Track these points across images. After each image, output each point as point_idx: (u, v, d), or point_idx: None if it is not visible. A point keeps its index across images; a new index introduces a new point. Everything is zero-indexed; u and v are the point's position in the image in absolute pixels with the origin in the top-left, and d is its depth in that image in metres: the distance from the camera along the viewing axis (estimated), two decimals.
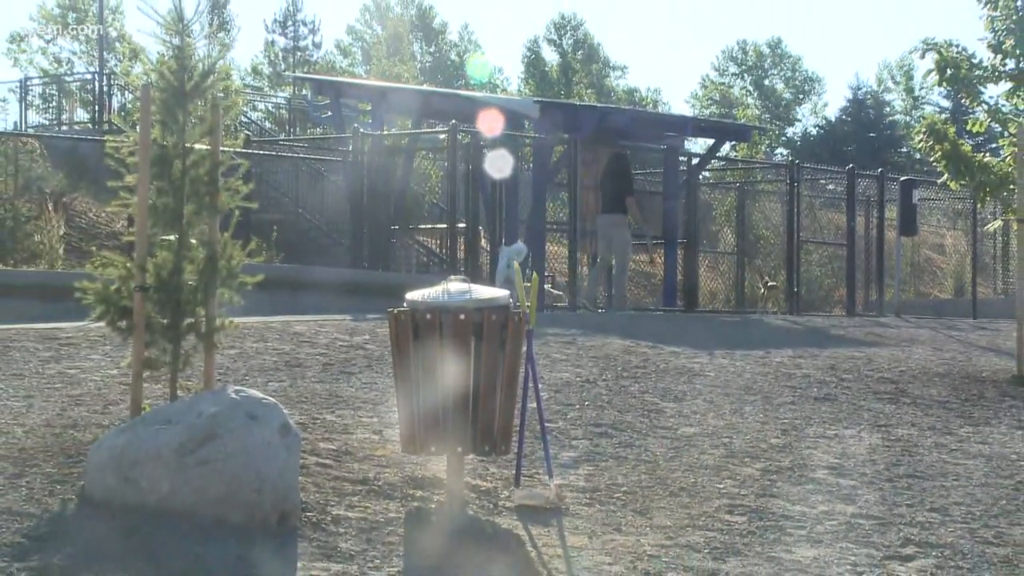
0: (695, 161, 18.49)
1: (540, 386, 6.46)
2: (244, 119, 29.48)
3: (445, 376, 5.43)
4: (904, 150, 53.71)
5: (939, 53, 11.34)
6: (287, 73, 49.16)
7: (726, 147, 27.13)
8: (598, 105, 23.99)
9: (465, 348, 5.43)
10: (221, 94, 5.67)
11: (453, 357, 5.42)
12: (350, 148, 17.29)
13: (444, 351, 5.42)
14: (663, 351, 10.63)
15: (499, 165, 15.33)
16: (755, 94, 65.11)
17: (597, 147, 16.96)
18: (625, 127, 17.44)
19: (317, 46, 52.27)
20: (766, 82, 65.58)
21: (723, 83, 65.39)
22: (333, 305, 13.16)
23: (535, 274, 6.46)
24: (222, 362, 8.11)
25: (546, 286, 16.01)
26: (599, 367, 9.52)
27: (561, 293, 16.67)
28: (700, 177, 19.43)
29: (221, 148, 5.64)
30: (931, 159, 11.76)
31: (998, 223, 14.56)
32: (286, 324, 10.47)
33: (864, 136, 52.80)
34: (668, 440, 7.26)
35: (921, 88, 60.48)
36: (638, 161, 19.06)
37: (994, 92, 12.66)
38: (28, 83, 30.45)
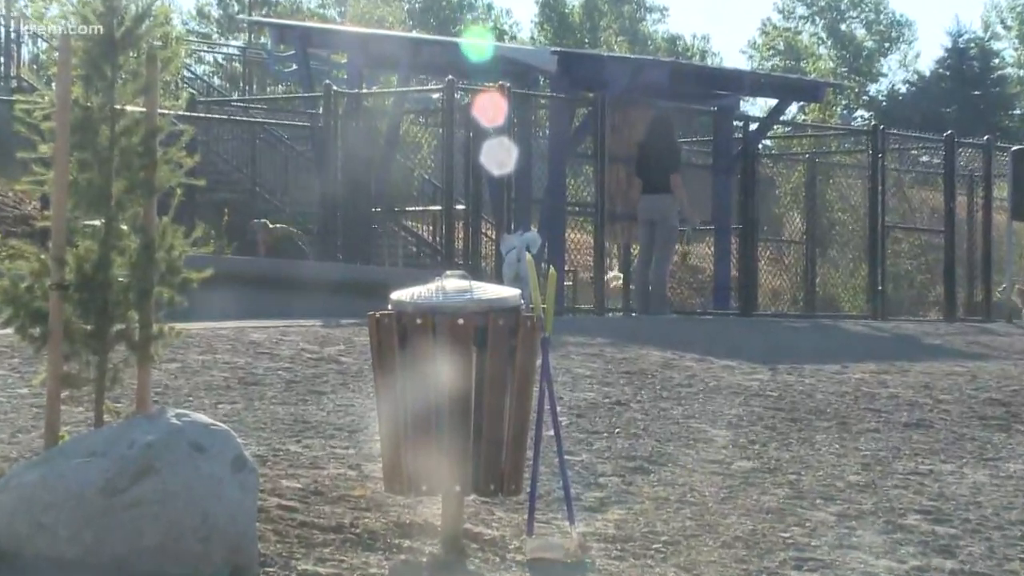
0: (753, 127, 18.49)
1: (559, 409, 6.46)
2: (188, 74, 29.55)
3: (439, 396, 5.43)
4: (1017, 112, 53.69)
5: None
6: (241, 17, 49.27)
7: (792, 109, 27.10)
8: (631, 56, 24.03)
9: (465, 361, 5.43)
10: (159, 43, 5.67)
11: (449, 372, 5.42)
12: (320, 110, 17.32)
13: (438, 364, 5.42)
14: (713, 365, 10.62)
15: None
16: (829, 42, 65.08)
17: (630, 109, 16.96)
18: (665, 84, 17.44)
19: None
20: (843, 27, 65.54)
21: (789, 29, 65.37)
22: (299, 307, 13.17)
23: (552, 269, 6.46)
24: (160, 379, 8.12)
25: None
26: (633, 385, 9.52)
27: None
28: (760, 147, 19.42)
29: (159, 110, 5.65)
30: None
31: None
32: (240, 331, 10.49)
33: (966, 95, 52.78)
34: (720, 477, 7.26)
35: None
36: (681, 127, 19.04)
37: None
38: None
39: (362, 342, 9.86)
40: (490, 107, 15.46)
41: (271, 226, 18.35)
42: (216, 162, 21.34)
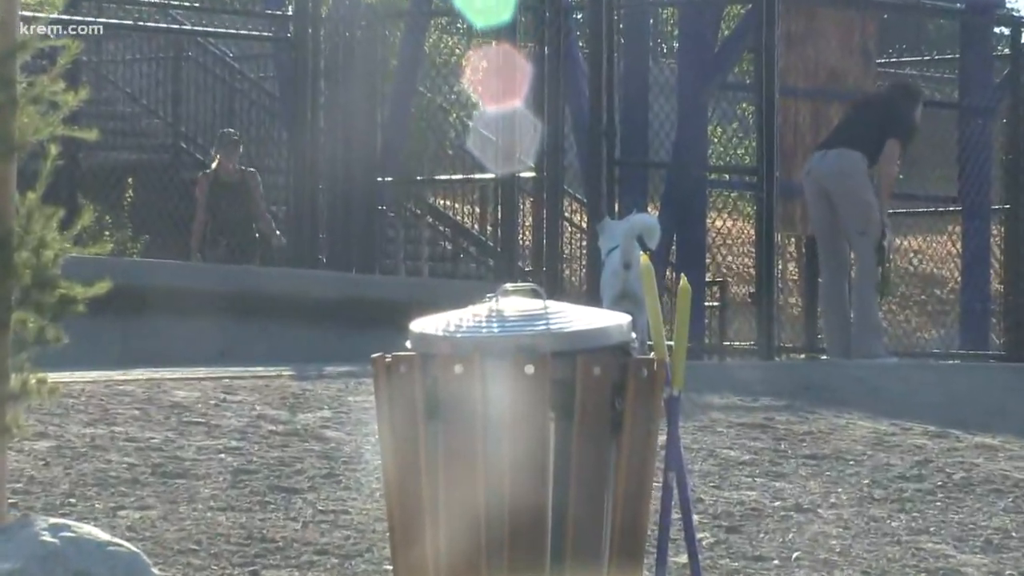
0: None
1: (696, 517, 6.45)
2: None
3: (494, 496, 5.44)
4: None
5: None
6: None
7: None
8: None
9: (536, 436, 5.45)
10: None
11: (510, 455, 5.43)
12: (291, 10, 17.39)
13: (491, 442, 5.43)
14: (959, 444, 10.58)
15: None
16: None
17: (817, 9, 16.93)
18: None
19: None
20: None
21: None
22: (257, 344, 13.22)
23: (684, 279, 6.46)
24: (21, 466, 8.17)
25: None
26: (823, 479, 9.50)
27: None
28: None
29: (21, 12, 5.70)
30: None
31: None
32: (156, 385, 10.53)
33: None
34: None
35: None
36: (900, 39, 18.97)
37: None
38: None
39: (362, 404, 9.88)
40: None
41: (241, 167, 18.08)
42: (115, 100, 21.47)
